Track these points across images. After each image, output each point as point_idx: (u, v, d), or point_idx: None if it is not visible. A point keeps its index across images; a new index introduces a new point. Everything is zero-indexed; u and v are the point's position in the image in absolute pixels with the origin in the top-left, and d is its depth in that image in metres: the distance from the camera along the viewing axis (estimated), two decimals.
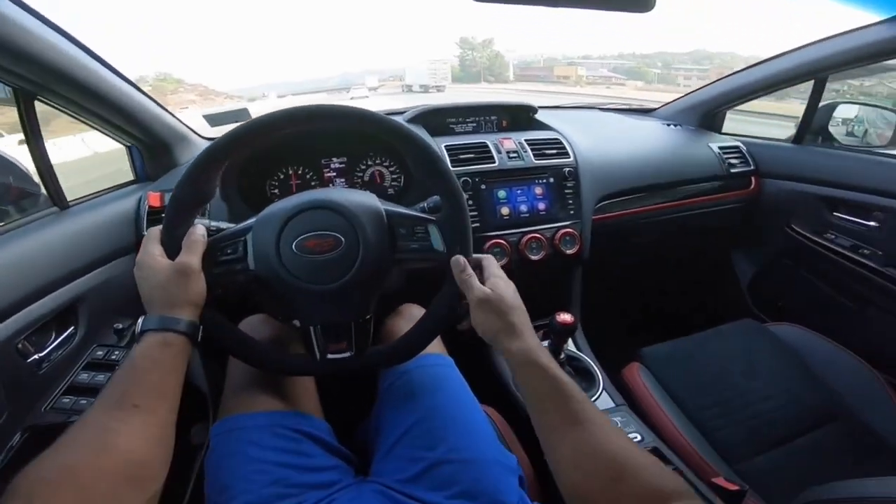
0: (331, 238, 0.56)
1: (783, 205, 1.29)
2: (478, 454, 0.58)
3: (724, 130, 1.45)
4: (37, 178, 0.78)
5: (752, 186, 1.32)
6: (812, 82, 1.18)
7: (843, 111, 1.32)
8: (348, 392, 0.81)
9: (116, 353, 0.76)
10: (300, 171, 1.01)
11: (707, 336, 1.07)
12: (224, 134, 0.56)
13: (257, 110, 0.72)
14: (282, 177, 1.00)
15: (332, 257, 0.55)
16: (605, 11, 0.80)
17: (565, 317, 0.79)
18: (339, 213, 0.56)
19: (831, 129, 1.29)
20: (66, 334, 0.73)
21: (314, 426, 0.63)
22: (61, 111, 0.79)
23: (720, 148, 1.30)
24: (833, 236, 1.19)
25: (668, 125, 1.44)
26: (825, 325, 1.07)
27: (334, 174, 1.03)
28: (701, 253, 1.53)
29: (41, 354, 0.68)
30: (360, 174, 1.04)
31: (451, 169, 0.60)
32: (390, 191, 1.05)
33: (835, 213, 1.19)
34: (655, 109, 1.60)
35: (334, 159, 1.02)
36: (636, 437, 0.80)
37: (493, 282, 0.56)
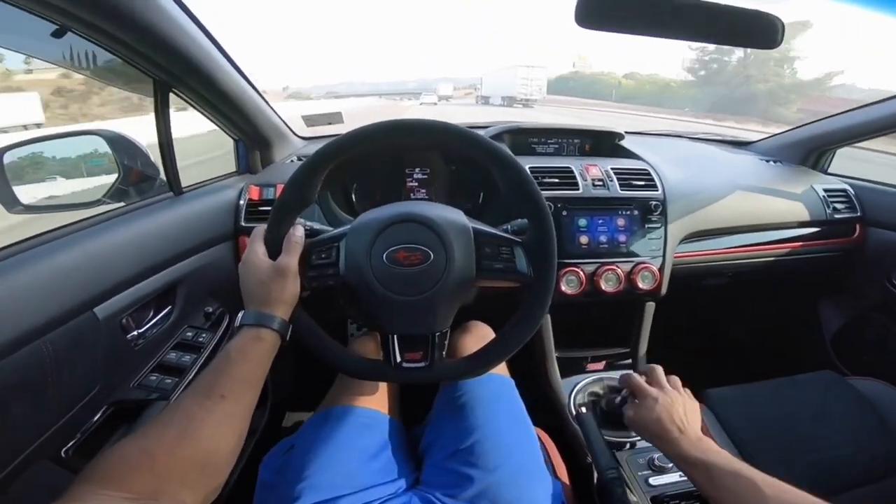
0: (419, 252, 0.57)
1: (887, 257, 1.16)
2: (526, 479, 0.61)
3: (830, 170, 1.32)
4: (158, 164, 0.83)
5: (856, 234, 1.19)
6: None
7: None
8: (409, 395, 0.82)
9: (203, 335, 0.80)
10: (383, 180, 1.04)
11: (780, 383, 0.98)
12: (331, 142, 0.59)
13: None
14: (366, 182, 1.03)
15: (420, 270, 0.57)
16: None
17: None
18: (430, 229, 0.58)
19: None
20: (163, 314, 0.76)
21: (393, 427, 0.69)
22: (189, 104, 0.85)
23: (825, 190, 1.18)
24: None
25: (767, 161, 1.33)
26: None
27: (416, 184, 1.04)
28: (783, 299, 1.40)
29: (139, 331, 0.70)
30: (441, 188, 1.05)
31: (543, 195, 0.59)
32: (468, 205, 1.05)
33: None
34: (753, 143, 1.48)
35: (417, 170, 1.04)
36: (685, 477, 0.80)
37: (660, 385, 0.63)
